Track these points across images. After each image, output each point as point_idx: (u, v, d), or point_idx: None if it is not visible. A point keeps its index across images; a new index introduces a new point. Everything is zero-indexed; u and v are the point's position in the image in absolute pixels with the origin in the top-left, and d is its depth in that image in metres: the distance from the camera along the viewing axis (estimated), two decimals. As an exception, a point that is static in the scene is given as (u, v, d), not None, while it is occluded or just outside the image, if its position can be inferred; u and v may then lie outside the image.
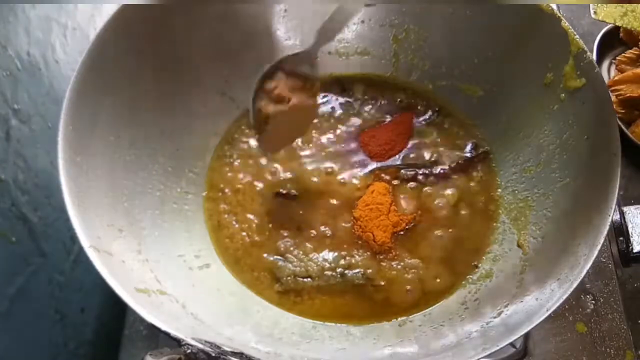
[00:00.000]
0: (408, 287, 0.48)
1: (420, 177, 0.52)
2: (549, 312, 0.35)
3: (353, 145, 0.55)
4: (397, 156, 0.54)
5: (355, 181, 0.52)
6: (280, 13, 0.54)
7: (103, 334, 0.57)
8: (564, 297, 0.35)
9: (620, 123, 0.62)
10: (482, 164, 0.53)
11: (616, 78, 0.66)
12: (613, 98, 0.65)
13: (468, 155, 0.53)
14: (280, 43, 0.56)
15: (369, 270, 0.48)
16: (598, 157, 0.41)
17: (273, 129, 0.45)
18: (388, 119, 0.56)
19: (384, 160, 0.54)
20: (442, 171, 0.53)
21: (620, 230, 0.47)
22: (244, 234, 0.51)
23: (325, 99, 0.57)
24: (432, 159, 0.53)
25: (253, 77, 0.45)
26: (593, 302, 0.53)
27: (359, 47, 0.57)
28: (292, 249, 0.50)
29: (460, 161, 0.53)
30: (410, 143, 0.54)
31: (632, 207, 0.47)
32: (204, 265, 0.48)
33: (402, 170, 0.53)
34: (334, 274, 0.48)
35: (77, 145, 0.40)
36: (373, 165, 0.53)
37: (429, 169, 0.53)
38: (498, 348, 0.35)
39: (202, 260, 0.49)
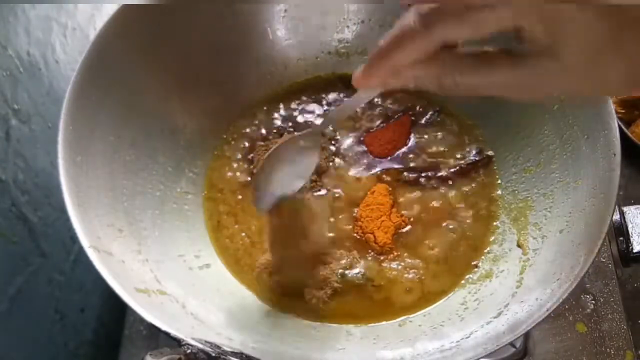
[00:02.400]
0: (408, 287, 0.48)
1: (422, 180, 0.52)
2: (549, 312, 0.35)
3: (356, 145, 0.55)
4: (398, 154, 0.54)
5: (357, 182, 0.52)
6: (280, 13, 0.54)
7: (103, 334, 0.57)
8: (564, 297, 0.35)
9: (620, 123, 0.62)
10: (484, 168, 0.53)
11: (616, 78, 0.66)
12: (613, 98, 0.65)
13: (472, 159, 0.53)
14: (280, 43, 0.56)
15: (370, 271, 0.48)
16: (598, 157, 0.41)
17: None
18: (388, 119, 0.56)
19: (386, 158, 0.54)
20: (444, 174, 0.53)
21: (620, 230, 0.47)
22: (244, 234, 0.51)
23: (328, 98, 0.58)
24: (434, 161, 0.53)
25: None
26: (593, 302, 0.53)
27: (359, 47, 0.57)
28: (292, 249, 0.49)
29: (463, 165, 0.53)
30: (411, 143, 0.55)
31: (632, 207, 0.47)
32: (204, 265, 0.48)
33: (405, 173, 0.53)
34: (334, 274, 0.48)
35: (77, 145, 0.40)
36: (376, 167, 0.53)
37: (431, 172, 0.53)
38: (498, 348, 0.35)
39: (202, 260, 0.49)
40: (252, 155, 0.54)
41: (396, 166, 0.53)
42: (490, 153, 0.53)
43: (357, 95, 0.32)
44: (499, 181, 0.52)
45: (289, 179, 0.42)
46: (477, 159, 0.53)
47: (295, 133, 0.46)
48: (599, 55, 0.22)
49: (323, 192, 0.52)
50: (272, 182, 0.41)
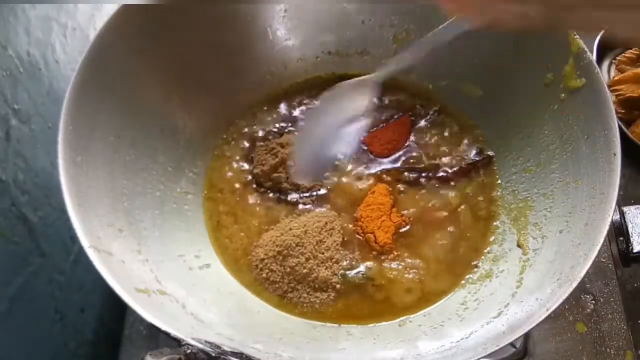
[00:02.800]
0: (408, 287, 0.48)
1: (422, 180, 0.52)
2: (549, 312, 0.35)
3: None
4: (398, 154, 0.54)
5: (357, 182, 0.52)
6: (280, 13, 0.54)
7: (103, 334, 0.57)
8: (564, 297, 0.35)
9: (620, 123, 0.62)
10: (484, 169, 0.53)
11: (616, 78, 0.66)
12: (613, 98, 0.65)
13: (472, 159, 0.53)
14: (280, 43, 0.56)
15: (370, 270, 0.48)
16: (598, 157, 0.41)
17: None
18: (388, 119, 0.56)
19: (386, 158, 0.54)
20: (444, 175, 0.53)
21: (620, 230, 0.47)
22: (243, 234, 0.51)
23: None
24: (434, 162, 0.53)
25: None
26: (593, 302, 0.53)
27: (359, 47, 0.57)
28: (292, 249, 0.49)
29: (463, 165, 0.53)
30: (411, 143, 0.55)
31: (632, 207, 0.48)
32: (204, 265, 0.48)
33: (405, 173, 0.53)
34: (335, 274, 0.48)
35: (77, 145, 0.40)
36: (376, 167, 0.53)
37: (431, 172, 0.53)
38: (498, 348, 0.35)
39: (202, 260, 0.49)
40: (252, 155, 0.54)
41: (396, 166, 0.53)
42: (490, 153, 0.53)
43: (439, 31, 0.28)
44: (499, 181, 0.52)
45: (337, 139, 0.35)
46: (477, 159, 0.53)
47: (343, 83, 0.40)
48: None
49: (323, 191, 0.52)
50: (318, 147, 0.34)
